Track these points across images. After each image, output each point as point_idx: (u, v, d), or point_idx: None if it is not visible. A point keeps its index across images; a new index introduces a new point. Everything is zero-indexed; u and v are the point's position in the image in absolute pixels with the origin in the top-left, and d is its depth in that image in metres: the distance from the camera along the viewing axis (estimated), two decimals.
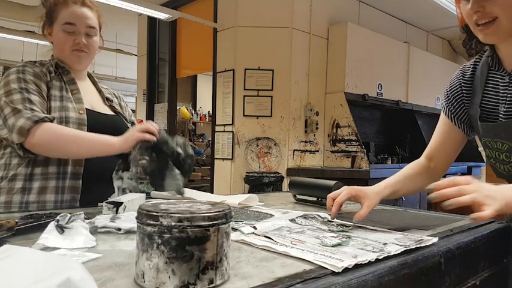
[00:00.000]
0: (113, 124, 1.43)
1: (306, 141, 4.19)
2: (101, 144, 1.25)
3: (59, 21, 1.34)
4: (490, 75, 1.04)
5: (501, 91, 1.00)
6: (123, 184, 1.27)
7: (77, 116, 1.30)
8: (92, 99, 1.43)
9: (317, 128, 4.21)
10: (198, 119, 7.70)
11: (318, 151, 4.30)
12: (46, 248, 0.68)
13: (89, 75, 1.52)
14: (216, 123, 4.23)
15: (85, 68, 1.45)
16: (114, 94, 1.59)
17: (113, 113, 1.48)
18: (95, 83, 1.53)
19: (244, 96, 3.99)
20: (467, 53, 1.08)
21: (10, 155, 1.28)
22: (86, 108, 1.34)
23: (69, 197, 1.28)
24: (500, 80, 1.01)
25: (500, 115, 1.00)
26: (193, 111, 7.55)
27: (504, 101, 0.99)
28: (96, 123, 1.34)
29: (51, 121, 1.23)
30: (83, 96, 1.38)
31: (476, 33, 0.94)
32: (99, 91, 1.51)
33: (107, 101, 1.50)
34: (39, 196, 1.26)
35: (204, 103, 7.77)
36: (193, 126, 7.39)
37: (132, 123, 1.60)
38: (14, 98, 1.22)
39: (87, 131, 1.30)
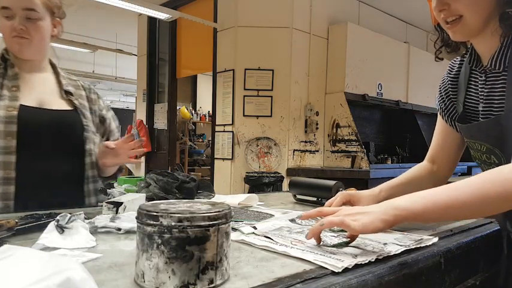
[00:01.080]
0: (57, 121, 1.29)
1: (306, 141, 4.19)
2: None
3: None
4: (472, 72, 1.00)
5: (479, 89, 0.96)
6: None
7: (5, 114, 1.18)
8: (43, 94, 1.30)
9: (317, 128, 4.21)
10: (198, 119, 7.70)
11: (318, 151, 4.30)
12: (46, 248, 0.68)
13: (53, 66, 1.39)
14: (216, 123, 4.24)
15: (31, 56, 1.29)
16: (82, 86, 1.43)
17: (69, 108, 1.33)
18: (58, 75, 1.38)
19: (244, 96, 3.99)
20: (435, 54, 1.06)
21: None
22: (22, 105, 1.22)
23: (1, 204, 1.17)
24: (479, 78, 0.97)
25: (480, 115, 0.96)
26: (193, 111, 7.55)
27: (482, 100, 0.95)
28: (33, 120, 1.23)
29: None
30: (32, 90, 1.27)
31: (447, 30, 0.93)
32: (60, 83, 1.37)
33: (65, 94, 1.34)
34: None
35: (204, 103, 7.77)
36: (193, 126, 7.39)
37: (102, 118, 1.46)
38: None
39: (21, 128, 1.19)
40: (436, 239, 0.80)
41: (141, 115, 5.56)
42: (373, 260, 0.66)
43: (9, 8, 1.20)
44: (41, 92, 1.30)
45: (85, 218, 0.85)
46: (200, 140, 7.52)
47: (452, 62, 1.10)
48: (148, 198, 1.18)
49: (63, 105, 1.33)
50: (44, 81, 1.34)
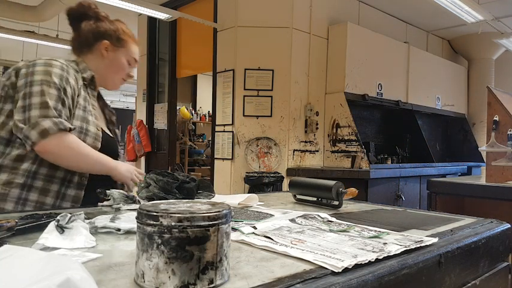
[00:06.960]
0: (112, 147, 1.47)
1: (306, 141, 4.19)
2: (102, 164, 1.33)
3: (127, 51, 1.49)
4: None
5: None
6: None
7: (95, 131, 1.35)
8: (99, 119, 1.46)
9: (317, 128, 4.21)
10: (198, 119, 7.70)
11: (318, 151, 4.30)
12: (46, 248, 0.68)
13: (99, 95, 1.54)
14: (216, 123, 4.23)
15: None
16: (111, 111, 1.59)
17: (111, 135, 1.51)
18: (105, 104, 1.56)
19: (244, 96, 3.99)
20: None
21: (15, 145, 1.25)
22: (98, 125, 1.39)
23: (70, 205, 1.30)
24: None
25: None
26: (193, 111, 7.54)
27: None
28: (105, 143, 1.38)
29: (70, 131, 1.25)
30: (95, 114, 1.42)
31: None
32: (103, 111, 1.54)
33: (110, 124, 1.54)
34: (39, 197, 1.25)
35: (204, 103, 7.77)
36: (193, 126, 7.38)
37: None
38: (51, 92, 1.22)
39: (100, 149, 1.34)
40: (436, 239, 0.80)
41: (141, 115, 5.56)
42: (373, 260, 0.66)
43: (137, 61, 1.54)
44: (99, 116, 1.49)
45: (85, 218, 0.85)
46: (200, 140, 7.52)
47: None
48: (148, 198, 1.18)
49: (108, 132, 1.51)
50: (99, 108, 1.52)
